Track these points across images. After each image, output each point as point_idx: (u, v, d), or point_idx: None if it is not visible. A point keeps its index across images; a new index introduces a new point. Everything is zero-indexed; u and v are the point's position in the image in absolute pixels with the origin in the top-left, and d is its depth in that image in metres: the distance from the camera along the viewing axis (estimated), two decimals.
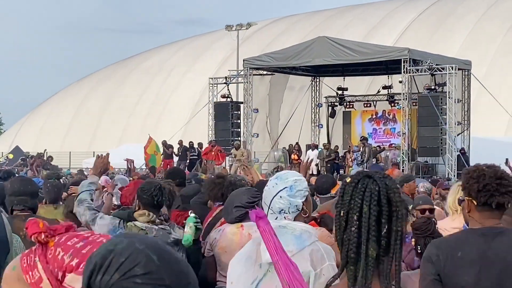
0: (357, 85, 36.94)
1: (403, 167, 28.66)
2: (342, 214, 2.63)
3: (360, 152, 29.77)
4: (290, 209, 4.11)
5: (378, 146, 32.65)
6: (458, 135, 30.82)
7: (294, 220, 4.09)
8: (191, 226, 5.26)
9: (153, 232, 5.48)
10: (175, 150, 33.46)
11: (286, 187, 4.14)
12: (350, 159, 30.54)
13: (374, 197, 2.60)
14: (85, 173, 20.18)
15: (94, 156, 39.95)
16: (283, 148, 33.55)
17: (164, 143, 33.66)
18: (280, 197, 4.11)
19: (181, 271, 1.92)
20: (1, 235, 5.07)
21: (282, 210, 4.10)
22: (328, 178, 9.30)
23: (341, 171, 29.40)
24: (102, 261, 1.90)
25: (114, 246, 1.92)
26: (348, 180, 2.70)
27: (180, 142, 33.65)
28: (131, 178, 12.84)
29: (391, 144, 32.29)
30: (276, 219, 4.03)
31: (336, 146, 33.82)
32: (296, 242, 3.97)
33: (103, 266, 1.90)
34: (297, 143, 33.39)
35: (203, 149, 32.02)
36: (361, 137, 31.89)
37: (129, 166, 24.49)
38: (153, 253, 1.89)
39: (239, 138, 32.65)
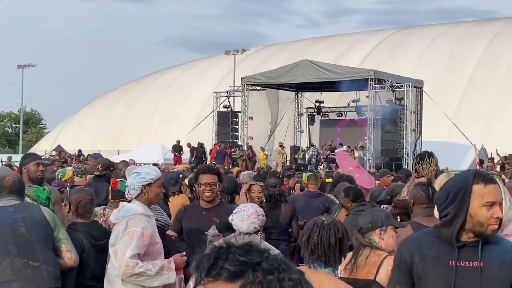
0: (331, 99, 36.54)
1: (369, 164, 28.33)
2: None
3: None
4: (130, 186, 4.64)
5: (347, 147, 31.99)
6: (416, 140, 30.45)
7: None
8: None
9: None
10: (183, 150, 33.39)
11: (136, 172, 4.71)
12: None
13: None
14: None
15: (119, 153, 39.87)
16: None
17: (174, 146, 33.69)
18: (130, 177, 4.70)
19: None
20: (36, 216, 4.69)
21: (127, 186, 4.68)
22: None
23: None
24: None
25: None
26: None
27: (189, 145, 33.42)
28: None
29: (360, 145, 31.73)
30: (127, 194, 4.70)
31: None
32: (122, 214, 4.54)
33: None
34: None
35: (209, 151, 31.78)
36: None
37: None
38: None
39: (237, 141, 32.30)
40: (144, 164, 26.53)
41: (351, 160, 10.78)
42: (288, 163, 31.78)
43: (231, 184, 7.37)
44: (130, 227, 4.46)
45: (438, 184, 6.04)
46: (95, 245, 5.01)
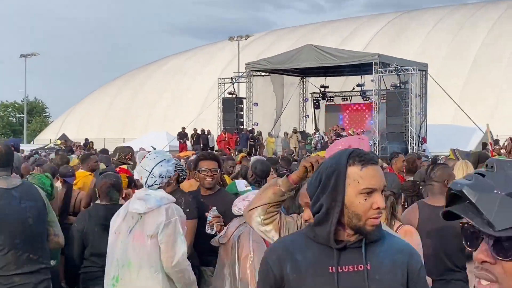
0: (336, 84, 36.60)
1: (374, 149, 28.43)
2: None
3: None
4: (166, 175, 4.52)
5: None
6: (421, 124, 30.50)
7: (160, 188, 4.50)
8: None
9: None
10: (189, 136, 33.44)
11: (164, 159, 4.56)
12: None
13: None
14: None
15: (124, 141, 40.04)
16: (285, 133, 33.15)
17: (180, 133, 33.73)
18: (161, 166, 4.50)
19: None
20: (40, 204, 4.66)
21: (160, 175, 4.48)
22: None
23: None
24: None
25: None
26: None
27: (195, 130, 33.57)
28: None
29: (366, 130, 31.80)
30: (155, 182, 4.47)
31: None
32: (156, 203, 4.39)
33: None
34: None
35: (215, 137, 31.87)
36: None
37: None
38: None
39: (242, 127, 32.41)
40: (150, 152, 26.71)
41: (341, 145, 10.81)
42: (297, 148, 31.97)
43: (267, 168, 7.34)
44: (171, 216, 4.38)
45: (458, 170, 6.13)
46: (102, 224, 5.20)
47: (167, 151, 5.59)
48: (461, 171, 5.88)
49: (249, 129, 31.63)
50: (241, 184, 5.30)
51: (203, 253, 5.32)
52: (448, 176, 5.03)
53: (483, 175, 1.34)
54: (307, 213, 2.96)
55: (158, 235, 4.37)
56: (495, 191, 1.29)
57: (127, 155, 8.56)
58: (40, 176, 5.74)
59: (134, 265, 4.44)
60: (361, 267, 2.34)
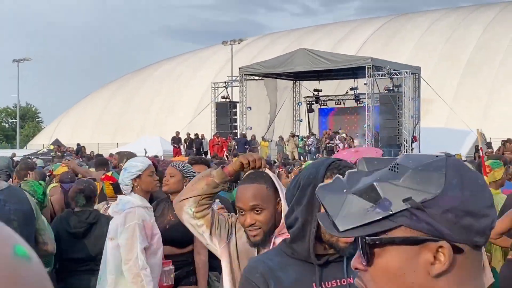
0: (329, 87, 36.67)
1: None
2: None
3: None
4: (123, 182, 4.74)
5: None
6: (415, 127, 30.59)
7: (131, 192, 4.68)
8: None
9: None
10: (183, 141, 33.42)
11: (125, 168, 4.83)
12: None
13: None
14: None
15: (117, 146, 39.99)
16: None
17: (174, 138, 33.69)
18: (122, 174, 4.80)
19: None
20: (27, 207, 4.64)
21: (122, 182, 4.76)
22: None
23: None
24: None
25: None
26: None
27: (188, 134, 33.59)
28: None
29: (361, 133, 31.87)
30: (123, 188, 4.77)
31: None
32: (121, 207, 4.59)
33: None
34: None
35: (208, 140, 31.83)
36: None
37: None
38: None
39: (236, 131, 32.45)
40: (143, 156, 26.73)
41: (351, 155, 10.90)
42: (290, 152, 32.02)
43: None
44: (130, 221, 4.53)
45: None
46: (71, 232, 5.30)
47: (145, 156, 5.71)
48: None
49: (243, 133, 31.68)
50: None
51: (208, 257, 5.31)
52: None
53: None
54: (249, 219, 2.73)
55: (118, 239, 4.57)
56: (344, 190, 1.21)
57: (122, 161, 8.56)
58: (32, 183, 5.74)
59: (106, 265, 4.74)
60: (343, 281, 2.28)
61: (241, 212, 2.69)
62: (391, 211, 1.16)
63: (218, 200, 4.95)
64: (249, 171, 2.93)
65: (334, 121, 35.70)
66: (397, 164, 1.20)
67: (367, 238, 1.18)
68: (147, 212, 4.65)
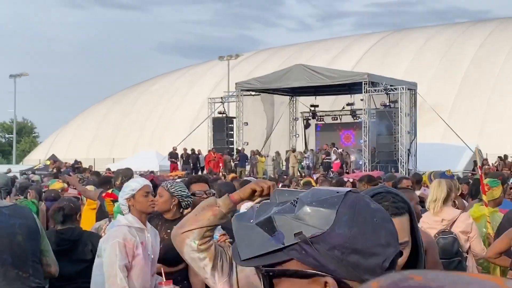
0: (326, 103, 36.72)
1: (365, 168, 28.52)
2: None
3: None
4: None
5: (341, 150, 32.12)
6: (411, 142, 30.57)
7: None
8: None
9: None
10: (180, 156, 33.30)
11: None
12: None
13: None
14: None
15: (113, 161, 39.93)
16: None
17: (171, 153, 33.57)
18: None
19: None
20: (32, 223, 4.66)
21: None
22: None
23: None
24: None
25: None
26: None
27: (185, 150, 33.52)
28: None
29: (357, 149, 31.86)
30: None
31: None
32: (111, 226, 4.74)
33: None
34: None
35: (205, 156, 31.77)
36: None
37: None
38: None
39: (233, 146, 32.42)
40: (140, 171, 26.72)
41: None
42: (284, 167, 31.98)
43: (233, 190, 7.43)
44: (112, 239, 4.57)
45: (431, 189, 6.09)
46: (56, 250, 5.26)
47: (144, 174, 5.74)
48: (433, 190, 5.88)
49: (241, 148, 31.66)
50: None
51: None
52: (412, 200, 5.05)
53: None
54: None
55: (102, 256, 4.64)
56: (251, 221, 1.26)
57: (129, 178, 8.49)
58: (26, 203, 5.75)
59: (95, 283, 4.78)
60: None
61: None
62: (284, 244, 1.21)
63: (219, 226, 4.80)
64: (260, 199, 2.69)
65: (330, 136, 35.73)
66: (297, 198, 1.24)
67: (262, 268, 1.22)
68: (132, 231, 4.64)
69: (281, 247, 1.20)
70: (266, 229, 1.23)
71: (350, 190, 1.27)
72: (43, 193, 8.43)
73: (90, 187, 8.87)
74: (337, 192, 1.25)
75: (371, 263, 1.19)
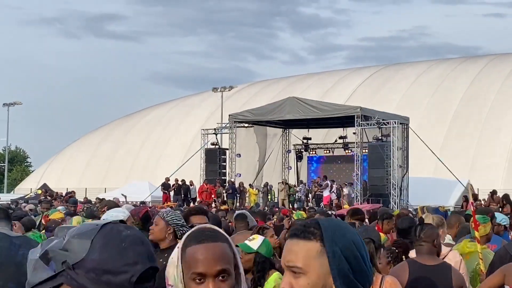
0: (319, 135, 36.87)
1: (357, 201, 28.56)
2: None
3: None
4: None
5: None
6: (403, 176, 30.64)
7: None
8: None
9: None
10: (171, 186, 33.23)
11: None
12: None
13: None
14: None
15: (105, 191, 39.80)
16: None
17: (163, 184, 33.47)
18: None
19: None
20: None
21: None
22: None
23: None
24: None
25: None
26: None
27: (176, 181, 33.41)
28: None
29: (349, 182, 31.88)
30: None
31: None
32: None
33: None
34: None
35: (197, 187, 31.75)
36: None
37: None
38: None
39: (225, 178, 32.40)
40: (132, 202, 26.63)
41: None
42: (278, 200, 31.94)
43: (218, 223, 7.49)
44: None
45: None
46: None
47: (146, 202, 5.73)
48: None
49: (231, 180, 31.66)
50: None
51: None
52: (436, 236, 5.13)
53: None
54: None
55: None
56: (37, 254, 1.58)
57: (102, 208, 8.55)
58: (32, 235, 5.77)
59: None
60: None
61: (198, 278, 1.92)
62: (55, 271, 1.54)
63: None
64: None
65: (322, 169, 35.82)
66: (67, 232, 1.60)
67: None
68: None
69: (53, 275, 1.53)
70: (45, 260, 1.56)
71: (109, 222, 1.59)
72: (42, 224, 8.44)
73: (77, 219, 8.87)
74: (97, 225, 1.57)
75: (121, 279, 1.51)
